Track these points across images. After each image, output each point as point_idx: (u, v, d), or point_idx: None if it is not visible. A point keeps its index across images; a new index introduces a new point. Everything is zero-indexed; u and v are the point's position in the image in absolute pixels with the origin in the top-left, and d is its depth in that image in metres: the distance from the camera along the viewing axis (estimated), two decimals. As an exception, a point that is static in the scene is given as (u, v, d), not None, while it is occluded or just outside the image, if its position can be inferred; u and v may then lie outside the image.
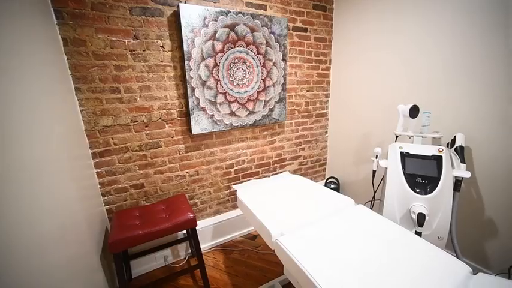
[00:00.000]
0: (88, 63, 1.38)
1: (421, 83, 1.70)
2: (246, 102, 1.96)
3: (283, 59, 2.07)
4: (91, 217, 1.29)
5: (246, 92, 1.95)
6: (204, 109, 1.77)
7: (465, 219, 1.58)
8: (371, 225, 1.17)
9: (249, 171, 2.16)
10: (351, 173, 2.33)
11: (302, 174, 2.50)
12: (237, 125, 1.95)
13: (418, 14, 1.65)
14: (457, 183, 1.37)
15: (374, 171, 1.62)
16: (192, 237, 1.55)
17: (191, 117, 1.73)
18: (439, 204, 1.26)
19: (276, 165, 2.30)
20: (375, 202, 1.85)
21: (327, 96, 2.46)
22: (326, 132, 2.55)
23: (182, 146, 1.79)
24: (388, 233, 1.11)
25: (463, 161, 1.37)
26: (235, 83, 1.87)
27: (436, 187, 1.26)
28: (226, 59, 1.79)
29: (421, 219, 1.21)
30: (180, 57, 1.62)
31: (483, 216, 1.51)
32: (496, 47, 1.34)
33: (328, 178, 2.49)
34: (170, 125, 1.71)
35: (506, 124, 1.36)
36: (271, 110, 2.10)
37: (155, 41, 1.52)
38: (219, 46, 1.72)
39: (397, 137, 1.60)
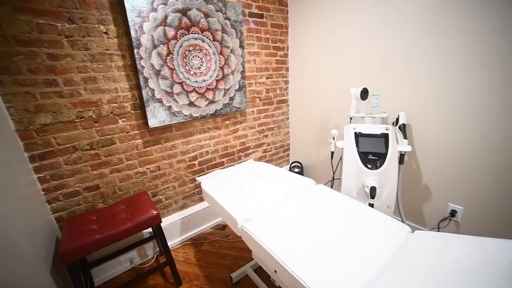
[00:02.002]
0: (8, 50, 1.17)
1: (371, 68, 1.84)
2: (205, 91, 1.91)
3: (241, 46, 2.04)
4: (34, 229, 1.14)
5: (205, 80, 1.89)
6: (160, 100, 1.68)
7: (408, 188, 1.80)
8: (330, 202, 1.26)
9: (214, 162, 2.14)
10: (313, 156, 2.46)
11: (267, 161, 2.56)
12: (197, 115, 1.89)
13: (369, 5, 1.74)
14: (401, 157, 1.54)
15: (332, 152, 1.73)
16: (158, 235, 1.50)
17: (147, 109, 1.62)
18: (387, 177, 1.41)
19: (240, 153, 2.31)
20: (334, 181, 1.99)
21: (286, 82, 2.52)
22: (288, 119, 2.63)
23: (139, 141, 1.68)
24: (344, 207, 1.21)
25: (405, 137, 1.54)
26: (192, 72, 1.80)
27: (384, 162, 1.40)
28: (180, 47, 1.70)
29: (372, 192, 1.34)
30: (128, 45, 1.49)
31: (421, 184, 1.73)
32: (435, 40, 1.50)
33: (293, 162, 2.60)
34: (124, 119, 1.58)
35: (438, 104, 1.55)
36: (231, 98, 2.07)
37: (96, 26, 1.36)
38: (171, 32, 1.62)
39: (351, 118, 1.72)
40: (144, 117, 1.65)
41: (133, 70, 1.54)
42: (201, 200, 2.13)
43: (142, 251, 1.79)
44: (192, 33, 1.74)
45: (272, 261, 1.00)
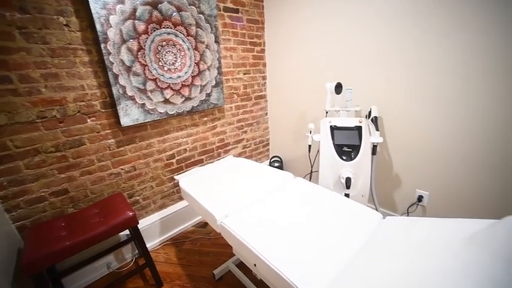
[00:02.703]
0: None
1: (345, 63, 1.87)
2: (181, 88, 1.84)
3: (216, 41, 1.98)
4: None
5: (180, 77, 1.81)
6: (132, 98, 1.58)
7: (380, 177, 1.87)
8: (307, 194, 1.28)
9: (193, 160, 2.08)
10: (292, 150, 2.48)
11: (247, 157, 2.54)
12: (173, 113, 1.82)
13: (342, 2, 1.76)
14: (374, 148, 1.59)
15: (310, 146, 1.74)
16: (136, 237, 1.43)
17: (118, 108, 1.53)
18: (361, 167, 1.45)
19: (219, 150, 2.27)
20: (313, 174, 2.02)
21: (264, 78, 2.50)
22: (266, 114, 2.62)
23: (112, 140, 1.59)
24: (321, 198, 1.23)
25: (377, 129, 1.59)
26: (166, 68, 1.72)
27: (358, 153, 1.44)
28: (152, 42, 1.61)
29: (348, 182, 1.38)
30: (93, 39, 1.38)
31: (392, 172, 1.81)
32: (405, 37, 1.55)
33: (272, 157, 2.60)
34: (93, 118, 1.48)
35: (406, 98, 1.61)
36: (208, 95, 2.02)
37: (55, 17, 1.24)
38: (141, 26, 1.53)
39: (327, 112, 1.75)
40: (115, 115, 1.55)
41: (101, 66, 1.44)
42: (181, 198, 2.07)
43: (120, 255, 1.70)
44: (164, 27, 1.65)
45: (251, 255, 0.99)
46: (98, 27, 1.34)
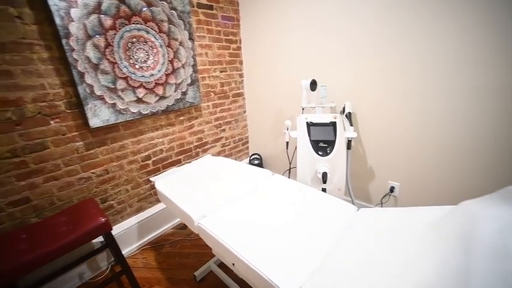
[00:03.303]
0: None
1: (320, 60, 1.89)
2: (154, 86, 1.75)
3: (191, 39, 1.92)
4: None
5: (153, 75, 1.73)
6: (101, 98, 1.48)
7: (355, 170, 1.92)
8: (285, 191, 1.27)
9: (170, 160, 2.00)
10: (271, 147, 2.48)
11: (226, 155, 2.50)
12: (147, 112, 1.73)
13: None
14: (349, 142, 1.63)
15: (287, 143, 1.75)
16: (110, 243, 1.35)
17: (85, 108, 1.42)
18: (336, 162, 1.48)
19: (198, 149, 2.21)
20: (291, 170, 2.03)
21: (241, 76, 2.47)
22: (245, 112, 2.59)
23: (80, 143, 1.48)
24: (298, 194, 1.24)
25: (351, 124, 1.63)
26: (137, 66, 1.63)
27: (333, 148, 1.46)
28: (121, 38, 1.51)
29: (324, 177, 1.39)
30: (53, 34, 1.26)
31: (366, 166, 1.87)
32: (374, 36, 1.59)
33: (252, 155, 2.59)
34: (57, 120, 1.36)
35: (378, 93, 1.67)
36: (184, 93, 1.95)
37: (2, 7, 1.11)
38: (108, 22, 1.43)
39: (303, 109, 1.76)
40: (83, 116, 1.44)
41: (63, 63, 1.32)
42: (159, 201, 1.99)
43: (94, 264, 1.60)
44: (134, 23, 1.56)
45: (229, 255, 0.97)
46: (58, 20, 1.23)
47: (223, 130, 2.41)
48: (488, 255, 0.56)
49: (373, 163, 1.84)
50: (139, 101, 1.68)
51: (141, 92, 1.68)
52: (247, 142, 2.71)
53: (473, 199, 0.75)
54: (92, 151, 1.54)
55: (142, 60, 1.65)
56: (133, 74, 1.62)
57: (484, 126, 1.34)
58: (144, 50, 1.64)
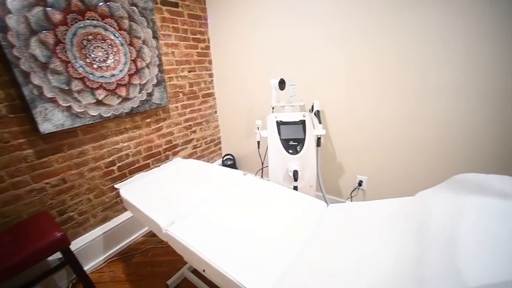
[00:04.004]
0: None
1: (288, 59, 1.89)
2: (116, 87, 1.63)
3: (155, 37, 1.82)
4: None
5: (114, 75, 1.61)
6: (53, 100, 1.34)
7: (326, 167, 1.97)
8: (256, 191, 1.26)
9: (137, 165, 1.88)
10: (244, 147, 2.45)
11: (198, 157, 2.42)
12: (109, 115, 1.61)
13: None
14: (318, 140, 1.65)
15: (258, 142, 1.73)
16: (69, 259, 1.22)
17: (34, 112, 1.27)
18: (307, 159, 1.50)
19: (167, 152, 2.11)
20: (264, 169, 2.02)
21: (211, 76, 2.40)
22: (216, 112, 2.53)
23: (29, 151, 1.32)
24: (269, 194, 1.22)
25: (320, 122, 1.66)
26: (96, 66, 1.50)
27: (303, 146, 1.47)
28: (74, 35, 1.38)
29: (295, 175, 1.40)
30: (-13, 28, 1.11)
31: (336, 161, 1.92)
32: (339, 36, 1.63)
33: (225, 155, 2.54)
34: (-2, 125, 1.20)
35: (345, 91, 1.72)
36: (150, 94, 1.84)
37: None
38: (57, 16, 1.29)
39: (273, 108, 1.75)
40: (31, 121, 1.29)
41: (1, 61, 1.17)
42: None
43: (52, 284, 1.44)
44: (89, 19, 1.43)
45: (199, 261, 0.93)
46: (-9, 13, 1.08)
47: (194, 131, 2.33)
48: (438, 243, 0.58)
49: (342, 159, 1.90)
50: (99, 103, 1.55)
51: (101, 94, 1.55)
52: (219, 143, 2.65)
53: (426, 189, 0.79)
54: (45, 159, 1.38)
55: (101, 60, 1.52)
56: (91, 74, 1.49)
57: (443, 122, 1.43)
58: (102, 48, 1.52)
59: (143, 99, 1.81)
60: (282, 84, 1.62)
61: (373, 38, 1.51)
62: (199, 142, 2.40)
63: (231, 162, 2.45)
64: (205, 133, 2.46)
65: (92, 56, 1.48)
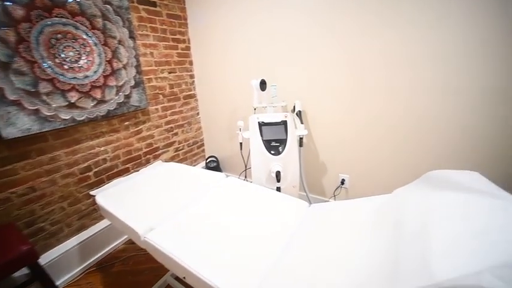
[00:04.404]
0: None
1: (270, 60, 1.88)
2: (91, 89, 1.54)
3: (132, 37, 1.74)
4: None
5: (87, 77, 1.52)
6: (17, 103, 1.24)
7: (309, 166, 1.97)
8: (238, 193, 1.23)
9: (116, 170, 1.79)
10: (227, 149, 2.41)
11: (181, 160, 2.35)
12: (82, 118, 1.51)
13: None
14: (300, 140, 1.65)
15: (241, 143, 1.71)
16: (38, 274, 1.13)
17: (-6, 116, 1.17)
18: (289, 160, 1.49)
19: (148, 156, 2.03)
20: (247, 170, 2.00)
21: (192, 77, 2.35)
22: (198, 114, 2.47)
23: (-9, 158, 1.21)
24: (252, 196, 1.20)
25: (302, 122, 1.66)
26: (66, 66, 1.41)
27: (285, 147, 1.46)
28: (40, 33, 1.29)
29: (278, 176, 1.39)
30: None
31: (319, 161, 1.93)
32: (321, 39, 1.64)
33: (208, 157, 2.49)
34: (-45, 132, 1.09)
35: (326, 91, 1.73)
36: (127, 96, 1.76)
37: None
38: (18, 11, 1.20)
39: (255, 109, 1.73)
40: (-8, 126, 1.18)
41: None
42: (105, 216, 1.76)
43: (20, 300, 1.33)
44: (57, 16, 1.34)
45: (179, 268, 0.89)
46: None
47: (176, 134, 2.26)
48: (412, 238, 0.59)
49: (324, 158, 1.91)
50: (71, 106, 1.46)
51: (73, 96, 1.46)
52: (202, 145, 2.60)
53: (403, 186, 0.80)
54: (9, 167, 1.27)
55: (73, 60, 1.43)
56: (61, 75, 1.39)
57: (422, 120, 1.47)
58: (73, 48, 1.43)
59: (120, 101, 1.73)
60: (263, 85, 1.60)
61: (353, 38, 1.53)
62: (181, 145, 2.33)
63: (214, 164, 2.40)
64: (188, 135, 2.39)
65: (62, 56, 1.38)
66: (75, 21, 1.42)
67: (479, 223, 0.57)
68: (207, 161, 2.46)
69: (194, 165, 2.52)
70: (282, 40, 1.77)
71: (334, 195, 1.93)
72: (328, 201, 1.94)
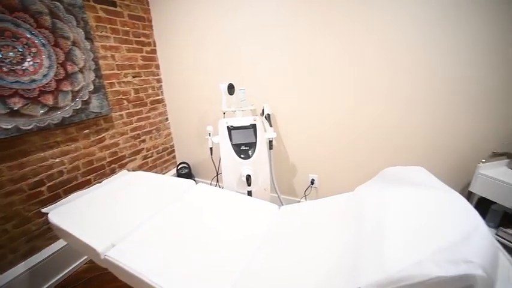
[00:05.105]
0: None
1: (238, 63, 1.84)
2: (39, 95, 1.37)
3: (89, 38, 1.59)
4: None
5: (35, 81, 1.34)
6: None
7: (280, 168, 1.96)
8: (208, 200, 1.17)
9: (75, 183, 1.61)
10: (198, 154, 2.31)
11: (150, 168, 2.21)
12: (30, 127, 1.33)
13: (234, 2, 1.71)
14: (270, 143, 1.64)
15: (211, 149, 1.64)
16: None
17: None
18: (259, 163, 1.46)
19: (113, 165, 1.86)
20: (219, 176, 1.93)
21: (159, 81, 2.22)
22: (167, 119, 2.34)
23: None
24: (221, 202, 1.15)
25: (271, 125, 1.64)
26: (6, 69, 1.23)
27: (255, 150, 1.44)
28: (-29, 31, 1.10)
29: (248, 179, 1.35)
30: None
31: (289, 162, 1.94)
32: (287, 43, 1.64)
33: (180, 164, 2.36)
34: None
35: (294, 94, 1.74)
36: (86, 102, 1.60)
37: None
38: None
39: (224, 113, 1.68)
40: None
41: None
42: (62, 233, 1.57)
43: None
44: (-8, 12, 1.16)
45: (145, 286, 0.81)
46: None
47: (143, 141, 2.11)
48: (371, 233, 0.60)
49: (294, 159, 1.93)
50: (15, 113, 1.27)
51: (17, 103, 1.28)
52: (173, 151, 2.46)
53: (363, 184, 0.82)
54: None
55: (14, 62, 1.25)
56: (0, 79, 1.21)
57: (382, 118, 1.54)
58: (14, 48, 1.25)
59: (78, 107, 1.56)
60: (231, 89, 1.56)
61: (316, 38, 1.54)
62: (150, 152, 2.19)
63: (186, 171, 2.29)
64: (157, 142, 2.25)
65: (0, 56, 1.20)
66: (15, 17, 1.24)
67: (421, 214, 0.61)
68: (178, 167, 2.34)
69: (164, 173, 2.38)
70: (251, 43, 1.75)
71: (305, 195, 1.95)
72: (299, 201, 1.95)
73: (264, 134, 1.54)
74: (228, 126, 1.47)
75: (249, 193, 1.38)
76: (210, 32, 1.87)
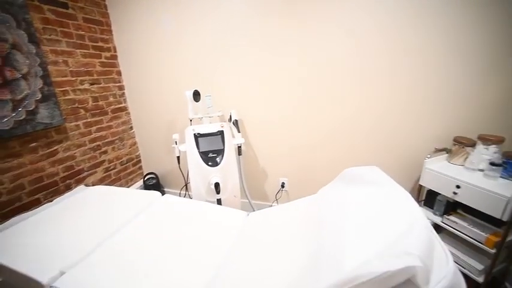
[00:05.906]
0: None
1: (205, 70, 1.78)
2: (-30, 105, 1.16)
3: (33, 41, 1.41)
4: None
5: (-37, 89, 1.14)
6: None
7: (250, 174, 1.92)
8: (174, 212, 1.09)
9: (18, 204, 1.39)
10: (166, 164, 2.18)
11: (113, 181, 2.02)
12: (-43, 143, 1.12)
13: (197, 6, 1.65)
14: (239, 148, 1.60)
15: (178, 157, 1.55)
16: None
17: None
18: (228, 170, 1.41)
19: (69, 181, 1.66)
20: (188, 185, 1.83)
21: (121, 88, 2.05)
22: (131, 128, 2.18)
23: None
24: (188, 213, 1.08)
25: (239, 131, 1.61)
26: None
27: (223, 157, 1.39)
28: None
29: (217, 187, 1.30)
30: None
31: (259, 167, 1.92)
32: (253, 49, 1.62)
33: (146, 175, 2.20)
34: None
35: (261, 100, 1.73)
36: (32, 112, 1.41)
37: None
38: None
39: (191, 120, 1.61)
40: None
41: None
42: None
43: None
44: None
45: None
46: None
47: (105, 152, 1.92)
48: (332, 232, 0.60)
49: (264, 164, 1.91)
50: None
51: None
52: (139, 161, 2.29)
53: (326, 185, 0.82)
54: None
55: None
56: None
57: (349, 122, 1.59)
58: None
59: (21, 118, 1.36)
60: (196, 95, 1.50)
61: (281, 46, 1.55)
62: (112, 164, 2.00)
63: (154, 182, 2.14)
64: (120, 152, 2.07)
65: None
66: None
67: (372, 212, 0.63)
68: (145, 178, 2.17)
69: (130, 186, 2.19)
70: (216, 49, 1.71)
71: (276, 199, 1.93)
72: (271, 205, 1.93)
73: (232, 140, 1.50)
74: (194, 134, 1.41)
75: (219, 201, 1.32)
76: (173, 38, 1.79)
